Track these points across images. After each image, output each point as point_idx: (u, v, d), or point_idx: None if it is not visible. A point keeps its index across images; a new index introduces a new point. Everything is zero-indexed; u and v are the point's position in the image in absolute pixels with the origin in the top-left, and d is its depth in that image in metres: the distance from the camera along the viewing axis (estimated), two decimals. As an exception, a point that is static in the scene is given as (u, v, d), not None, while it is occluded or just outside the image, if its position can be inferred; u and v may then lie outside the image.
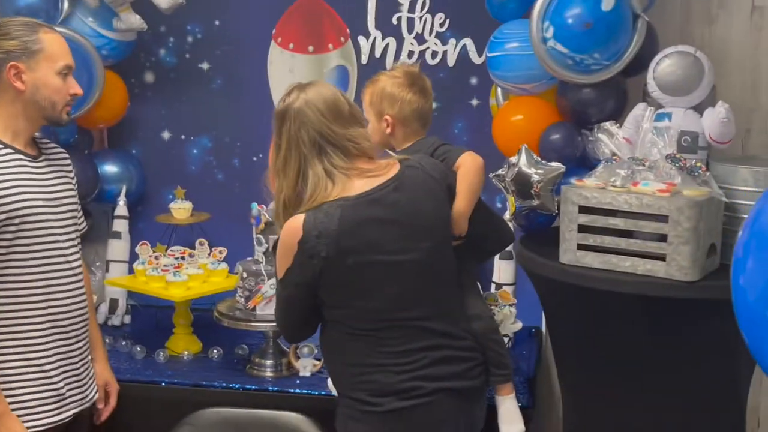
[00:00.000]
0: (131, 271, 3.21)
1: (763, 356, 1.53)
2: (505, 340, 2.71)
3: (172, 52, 3.49)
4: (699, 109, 2.64)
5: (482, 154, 2.43)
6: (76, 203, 2.49)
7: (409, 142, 2.44)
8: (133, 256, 3.24)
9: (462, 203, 2.27)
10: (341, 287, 2.11)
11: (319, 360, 2.83)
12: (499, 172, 2.73)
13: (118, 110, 3.37)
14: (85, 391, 2.47)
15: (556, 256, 2.50)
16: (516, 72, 2.84)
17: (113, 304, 3.33)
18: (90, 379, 2.51)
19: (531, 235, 2.83)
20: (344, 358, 2.18)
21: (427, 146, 2.41)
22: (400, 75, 2.42)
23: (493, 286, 3.14)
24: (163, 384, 2.81)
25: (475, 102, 3.33)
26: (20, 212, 2.27)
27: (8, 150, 2.31)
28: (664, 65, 2.65)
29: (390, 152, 2.34)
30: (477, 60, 3.29)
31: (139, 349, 3.00)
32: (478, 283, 2.61)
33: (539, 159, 2.67)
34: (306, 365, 2.82)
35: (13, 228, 2.26)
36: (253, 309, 2.80)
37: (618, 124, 2.60)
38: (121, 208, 3.36)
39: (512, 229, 3.03)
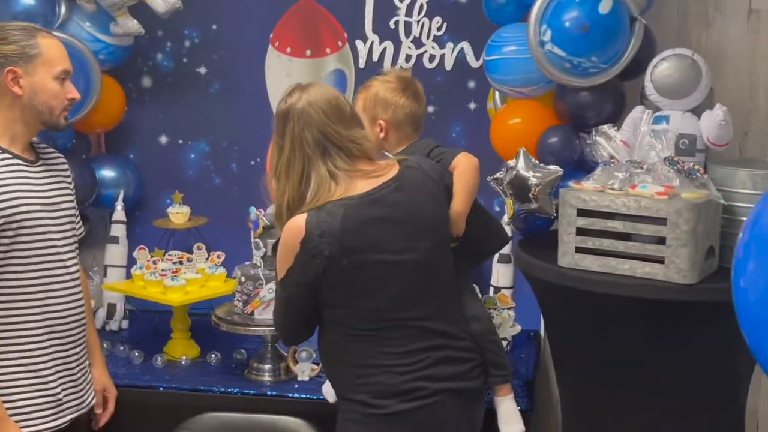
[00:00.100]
0: (129, 275, 3.20)
1: (763, 357, 1.53)
2: (504, 343, 2.72)
3: (169, 57, 3.49)
4: (697, 111, 2.64)
5: (480, 157, 2.43)
6: (74, 208, 2.48)
7: (402, 146, 2.45)
8: (131, 261, 3.23)
9: (459, 203, 2.28)
10: (343, 287, 2.11)
11: (317, 364, 2.82)
12: (497, 175, 2.73)
13: (116, 115, 3.36)
14: (83, 396, 2.47)
15: (554, 260, 2.50)
16: (514, 75, 2.84)
17: (111, 309, 3.32)
18: (87, 384, 2.51)
19: (529, 238, 2.82)
20: (345, 359, 2.18)
21: (422, 148, 2.42)
22: (392, 80, 2.44)
23: (491, 289, 3.14)
24: (161, 389, 2.80)
25: (472, 106, 3.33)
26: (18, 217, 2.26)
27: (6, 155, 2.30)
28: (662, 68, 2.66)
29: (387, 154, 2.35)
30: (474, 64, 3.29)
31: (137, 354, 2.99)
32: (476, 286, 2.62)
33: (537, 162, 2.67)
34: (304, 369, 2.82)
35: (10, 233, 2.26)
36: (252, 313, 2.80)
37: (616, 127, 2.60)
38: (119, 213, 3.36)
39: (510, 232, 3.05)
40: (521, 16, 2.86)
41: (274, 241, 2.21)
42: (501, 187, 2.72)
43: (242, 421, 2.55)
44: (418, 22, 3.31)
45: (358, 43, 3.35)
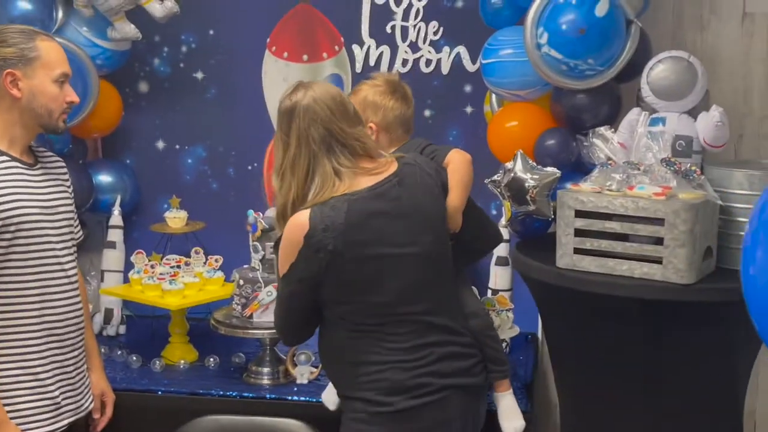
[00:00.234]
0: (126, 280, 3.20)
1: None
2: (503, 345, 2.72)
3: (166, 62, 3.49)
4: (693, 113, 2.66)
5: (477, 161, 2.45)
6: (72, 212, 2.48)
7: (393, 148, 2.47)
8: (128, 267, 3.23)
9: (456, 198, 2.30)
10: (346, 281, 2.11)
11: (316, 367, 2.82)
12: (495, 177, 2.74)
13: (113, 120, 3.36)
14: (81, 400, 2.47)
15: (552, 261, 2.51)
16: (510, 78, 2.85)
17: (108, 314, 3.31)
18: (86, 388, 2.50)
19: (527, 240, 2.83)
20: (348, 357, 2.18)
21: (415, 147, 2.45)
22: (381, 83, 2.46)
23: (489, 292, 3.14)
24: (160, 393, 2.79)
25: (469, 109, 3.34)
26: (16, 220, 2.26)
27: (5, 158, 2.30)
28: (658, 70, 2.67)
29: (383, 153, 2.36)
30: (471, 68, 3.30)
31: (134, 358, 2.98)
32: (474, 288, 2.62)
33: (535, 164, 2.68)
34: (303, 373, 2.81)
35: (8, 236, 2.26)
36: (250, 316, 2.80)
37: (613, 129, 2.61)
38: (116, 218, 3.35)
39: (508, 235, 3.06)
40: (518, 19, 2.88)
41: (275, 240, 2.20)
42: (499, 190, 2.73)
43: (242, 424, 2.54)
44: (415, 26, 3.31)
45: (355, 47, 3.36)
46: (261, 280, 2.77)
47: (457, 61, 3.32)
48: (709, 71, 2.77)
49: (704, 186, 2.42)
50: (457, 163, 2.36)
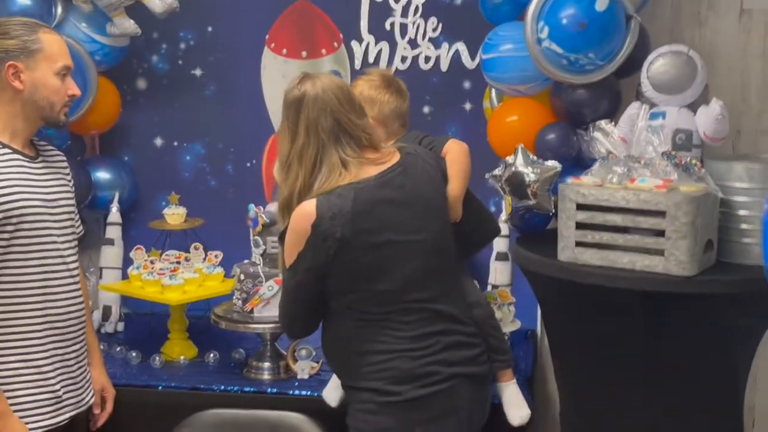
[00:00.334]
0: (125, 277, 3.19)
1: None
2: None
3: (164, 59, 3.48)
4: (692, 107, 2.67)
5: (476, 157, 2.46)
6: (73, 205, 2.48)
7: (390, 142, 2.47)
8: (126, 264, 3.21)
9: (456, 187, 2.32)
10: (353, 269, 2.12)
11: (317, 362, 2.81)
12: (496, 172, 2.74)
13: (111, 116, 3.36)
14: (82, 394, 2.45)
15: (553, 255, 2.51)
16: (511, 73, 2.86)
17: (106, 311, 3.30)
18: (86, 382, 2.49)
19: (527, 236, 2.84)
20: (355, 347, 2.18)
21: (412, 139, 2.47)
22: (375, 78, 2.48)
23: (489, 287, 3.14)
24: (160, 388, 2.78)
25: (468, 106, 3.35)
26: (18, 212, 2.26)
27: (6, 150, 2.30)
28: (658, 64, 2.69)
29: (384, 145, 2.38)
30: (470, 64, 3.30)
31: (134, 354, 2.97)
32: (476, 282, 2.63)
33: (535, 158, 2.69)
34: (304, 368, 2.80)
35: (10, 228, 2.25)
36: (251, 311, 2.79)
37: (613, 123, 2.62)
38: (114, 215, 3.34)
39: (507, 230, 3.07)
40: (517, 15, 2.88)
41: (279, 232, 2.20)
42: (499, 184, 2.74)
43: (244, 418, 2.53)
44: (414, 23, 3.32)
45: (354, 44, 3.37)
46: (262, 275, 2.76)
47: (456, 57, 3.32)
48: (707, 67, 2.78)
49: (705, 179, 2.42)
50: (455, 153, 2.39)
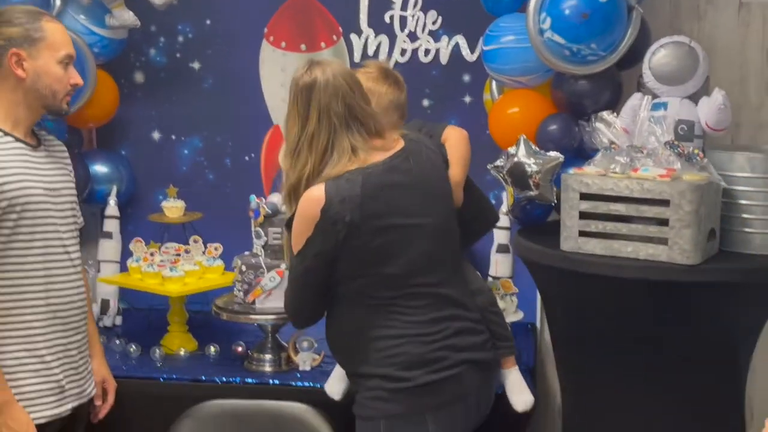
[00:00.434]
0: (123, 271, 3.17)
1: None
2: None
3: (162, 52, 3.47)
4: (694, 98, 2.68)
5: (476, 151, 2.47)
6: (74, 195, 2.47)
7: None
8: (124, 257, 3.20)
9: (457, 172, 2.35)
10: (362, 254, 2.12)
11: (318, 354, 2.81)
12: (498, 163, 2.74)
13: (109, 109, 3.34)
14: (84, 384, 2.44)
15: (554, 247, 2.51)
16: (512, 65, 2.86)
17: (104, 305, 3.28)
18: (88, 373, 2.48)
19: (528, 228, 2.84)
20: (364, 334, 2.17)
21: (412, 128, 2.47)
22: (372, 70, 2.47)
23: (490, 279, 3.14)
24: (162, 380, 2.77)
25: (468, 99, 3.35)
26: (21, 200, 2.24)
27: (9, 138, 2.29)
28: (660, 55, 2.69)
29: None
30: (470, 57, 3.30)
31: (133, 347, 2.95)
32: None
33: (538, 149, 2.69)
34: (305, 359, 2.80)
35: (14, 216, 2.24)
36: (253, 302, 2.78)
37: (615, 114, 2.63)
38: (112, 209, 3.32)
39: (509, 223, 3.07)
40: (518, 7, 2.89)
41: (287, 220, 2.19)
42: (501, 175, 2.73)
43: (246, 408, 2.53)
44: (413, 16, 3.32)
45: (353, 37, 3.36)
46: (264, 266, 2.75)
47: (456, 50, 3.32)
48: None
49: (707, 168, 2.43)
50: (455, 139, 2.42)
